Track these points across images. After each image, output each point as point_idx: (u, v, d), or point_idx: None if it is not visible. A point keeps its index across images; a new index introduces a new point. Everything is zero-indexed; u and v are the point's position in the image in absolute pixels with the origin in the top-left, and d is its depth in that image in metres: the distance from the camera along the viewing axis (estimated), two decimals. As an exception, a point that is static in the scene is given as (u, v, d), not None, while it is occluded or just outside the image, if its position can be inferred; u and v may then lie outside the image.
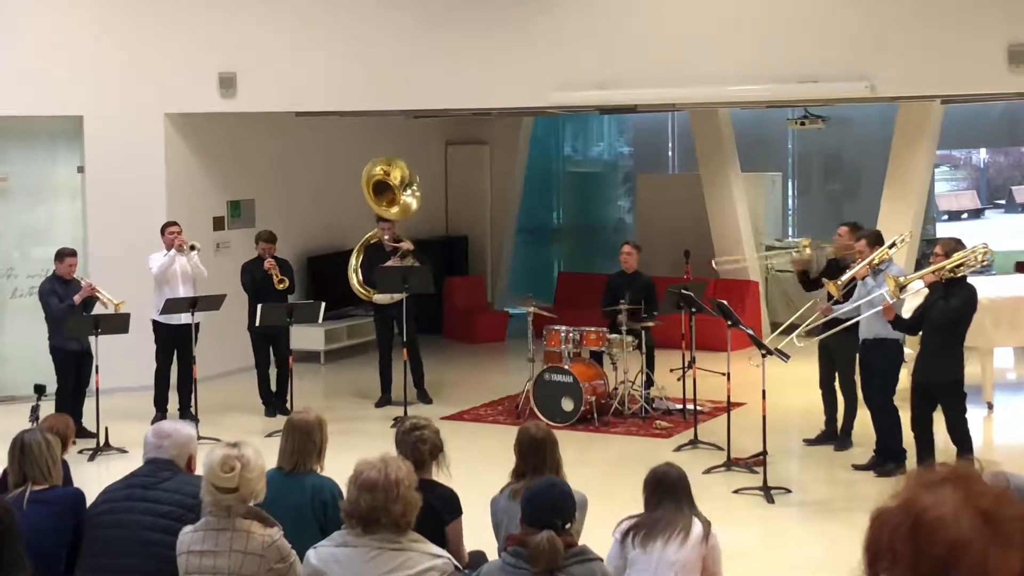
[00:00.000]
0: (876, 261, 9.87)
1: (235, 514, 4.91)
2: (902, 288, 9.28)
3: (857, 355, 10.75)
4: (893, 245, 10.10)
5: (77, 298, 11.47)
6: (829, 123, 15.91)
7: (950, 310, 9.23)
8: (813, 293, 10.96)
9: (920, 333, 9.71)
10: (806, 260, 11.13)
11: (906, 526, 1.84)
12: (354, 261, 13.31)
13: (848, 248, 10.71)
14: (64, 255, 11.70)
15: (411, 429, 5.82)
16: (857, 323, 10.00)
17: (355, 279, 13.29)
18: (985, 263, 9.56)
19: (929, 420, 9.49)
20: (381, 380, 13.04)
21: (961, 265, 9.22)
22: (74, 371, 11.63)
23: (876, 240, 10.13)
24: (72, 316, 11.40)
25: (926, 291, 9.64)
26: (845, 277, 9.94)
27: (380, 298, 12.88)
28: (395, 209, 13.11)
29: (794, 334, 10.21)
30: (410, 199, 13.23)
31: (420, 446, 5.68)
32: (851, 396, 10.93)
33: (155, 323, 12.18)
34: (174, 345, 12.20)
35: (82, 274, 12.15)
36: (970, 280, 9.50)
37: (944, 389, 9.37)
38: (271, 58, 13.40)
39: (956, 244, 9.45)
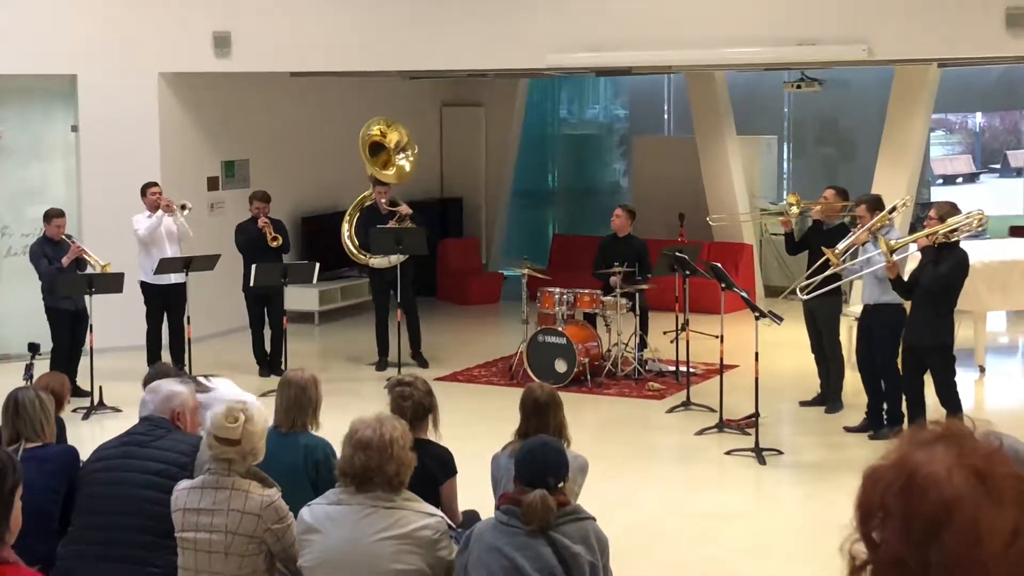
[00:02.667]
0: (877, 226, 9.84)
1: (235, 472, 4.92)
2: (893, 251, 9.24)
3: (840, 315, 10.79)
4: (894, 210, 10.07)
5: (65, 260, 11.43)
6: (825, 86, 15.85)
7: (938, 276, 9.18)
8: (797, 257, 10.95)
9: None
10: (794, 217, 11.10)
11: (899, 484, 1.85)
12: (347, 225, 13.10)
13: (832, 211, 10.72)
14: (52, 216, 11.63)
15: (396, 385, 5.82)
16: (839, 285, 10.01)
17: (350, 244, 13.06)
18: (980, 229, 9.53)
19: (920, 382, 9.51)
20: (378, 344, 12.93)
21: (955, 230, 9.18)
22: (69, 330, 11.62)
23: (876, 205, 10.09)
24: (65, 276, 11.38)
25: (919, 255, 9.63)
26: (843, 244, 9.91)
27: (377, 262, 12.75)
28: (391, 171, 13.03)
29: (796, 286, 10.20)
30: (403, 163, 13.12)
31: (402, 403, 5.66)
32: (837, 357, 10.94)
33: (143, 284, 12.17)
34: (163, 306, 12.20)
35: (76, 233, 12.10)
36: (963, 244, 9.47)
37: (932, 352, 9.36)
38: (266, 18, 13.31)
39: (951, 208, 9.37)
